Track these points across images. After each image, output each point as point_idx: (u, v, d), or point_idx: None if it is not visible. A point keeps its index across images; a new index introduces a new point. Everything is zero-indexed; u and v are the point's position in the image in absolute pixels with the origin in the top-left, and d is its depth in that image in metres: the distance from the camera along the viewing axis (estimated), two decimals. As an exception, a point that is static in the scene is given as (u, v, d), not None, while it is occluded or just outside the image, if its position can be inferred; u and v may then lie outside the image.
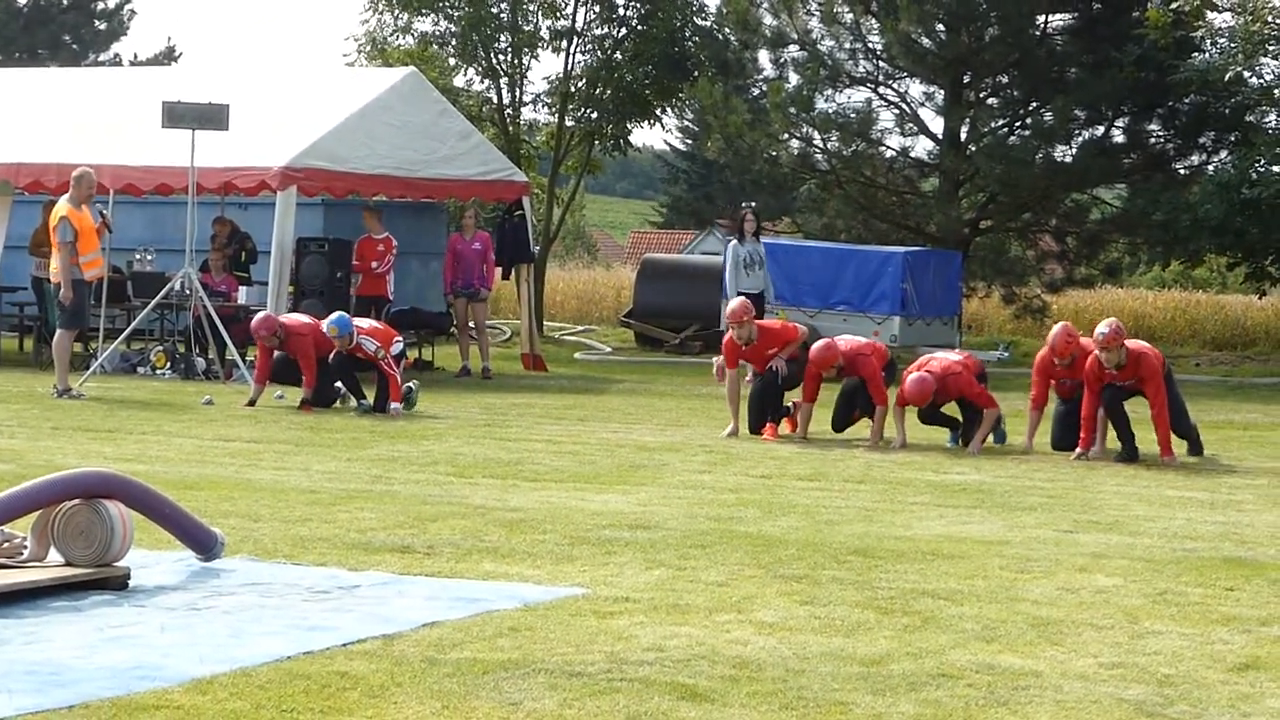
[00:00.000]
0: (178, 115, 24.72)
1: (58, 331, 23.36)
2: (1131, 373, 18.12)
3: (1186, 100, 36.26)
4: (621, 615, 10.05)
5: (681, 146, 58.51)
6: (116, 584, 10.76)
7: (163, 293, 25.85)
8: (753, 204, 29.26)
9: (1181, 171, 37.43)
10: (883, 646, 9.36)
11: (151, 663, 8.86)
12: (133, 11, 59.00)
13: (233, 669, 8.71)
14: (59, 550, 10.95)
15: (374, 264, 27.92)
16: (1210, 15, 34.39)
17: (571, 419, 21.72)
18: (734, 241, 26.92)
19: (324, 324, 21.48)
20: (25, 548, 11.05)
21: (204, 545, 11.55)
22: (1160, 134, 37.36)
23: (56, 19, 55.04)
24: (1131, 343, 18.59)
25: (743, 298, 16.10)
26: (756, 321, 19.99)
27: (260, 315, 22.47)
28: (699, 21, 38.16)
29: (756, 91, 37.66)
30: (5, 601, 10.20)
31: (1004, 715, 7.99)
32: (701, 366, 31.55)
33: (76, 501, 10.92)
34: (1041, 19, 36.13)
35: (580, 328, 39.83)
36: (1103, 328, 18.06)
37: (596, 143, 39.46)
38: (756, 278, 26.51)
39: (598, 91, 38.32)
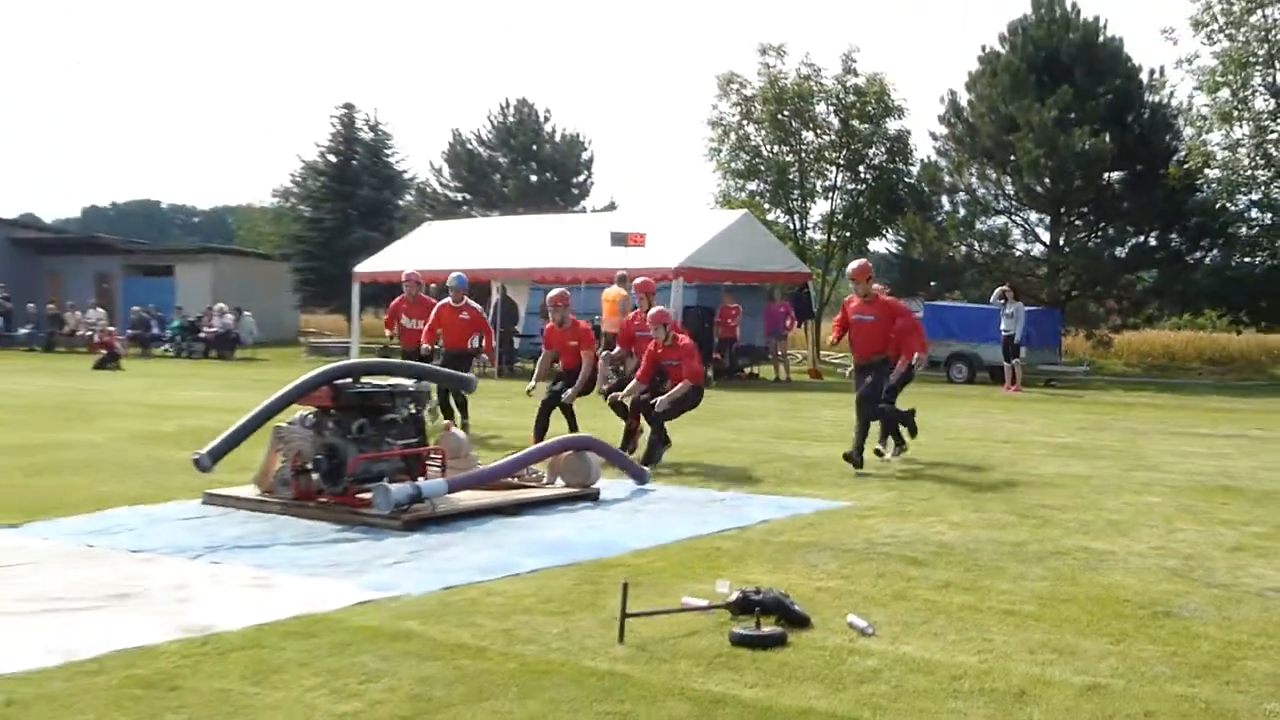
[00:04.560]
0: (617, 239, 25.51)
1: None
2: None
3: (1193, 220, 35.97)
4: (871, 517, 10.36)
5: (896, 249, 57.88)
6: (593, 497, 11.21)
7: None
8: (1006, 283, 29.07)
9: (1190, 261, 36.82)
10: (1022, 536, 9.61)
11: (612, 541, 9.32)
12: (592, 184, 60.75)
13: (657, 544, 9.18)
14: (561, 478, 11.50)
15: (729, 320, 28.40)
16: (1207, 170, 34.42)
17: (837, 406, 21.75)
18: (1002, 302, 26.49)
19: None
20: (543, 477, 11.61)
21: (638, 477, 11.98)
22: (1177, 240, 36.75)
23: (552, 192, 56.38)
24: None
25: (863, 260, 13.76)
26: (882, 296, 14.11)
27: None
28: (907, 180, 38.06)
29: (940, 218, 37.50)
30: (532, 507, 10.69)
31: (1093, 576, 8.24)
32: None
33: (570, 451, 11.47)
34: (1106, 175, 35.66)
35: (841, 354, 39.67)
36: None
37: (848, 249, 39.54)
38: (1010, 321, 26.13)
39: (848, 220, 38.38)
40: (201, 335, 39.42)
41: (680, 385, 13.28)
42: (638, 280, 12.47)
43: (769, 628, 6.55)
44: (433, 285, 33.67)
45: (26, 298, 44.74)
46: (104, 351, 32.78)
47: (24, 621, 6.83)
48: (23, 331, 42.97)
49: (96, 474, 12.47)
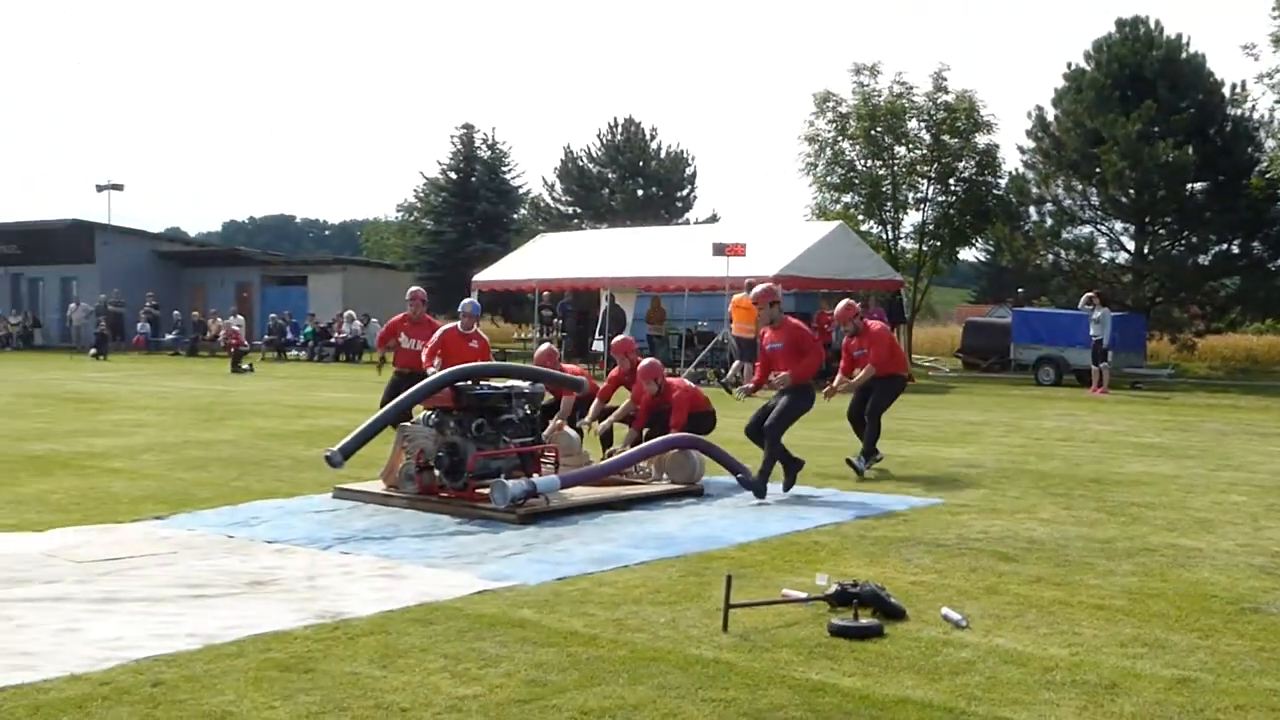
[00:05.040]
0: (718, 249, 25.46)
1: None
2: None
3: (1275, 229, 35.07)
4: (963, 514, 10.21)
5: (984, 258, 57.02)
6: (697, 493, 11.19)
7: (712, 342, 26.57)
8: (1094, 290, 28.53)
9: (1272, 268, 35.92)
10: (1111, 533, 9.41)
11: (716, 535, 9.28)
12: (695, 198, 60.76)
13: (759, 538, 9.13)
14: (667, 475, 11.47)
15: (825, 326, 28.13)
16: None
17: (930, 407, 21.59)
18: (1090, 308, 26.01)
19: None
20: (650, 474, 11.60)
21: (740, 473, 11.89)
22: (1259, 248, 35.83)
23: (658, 205, 56.48)
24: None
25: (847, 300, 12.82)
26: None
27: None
28: (995, 192, 37.53)
29: (1028, 228, 36.94)
30: (640, 503, 10.70)
31: (1182, 572, 8.04)
32: (997, 381, 31.01)
33: (676, 450, 11.43)
34: (1189, 186, 34.89)
35: (932, 358, 39.27)
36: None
37: (939, 258, 39.10)
38: (1098, 327, 25.65)
39: (939, 230, 37.96)
40: (332, 340, 39.98)
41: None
42: (759, 289, 11.60)
43: (866, 619, 6.47)
44: (545, 294, 33.97)
45: (172, 306, 45.70)
46: (233, 347, 33.46)
47: (169, 607, 6.94)
48: (169, 337, 43.94)
49: (234, 470, 12.69)
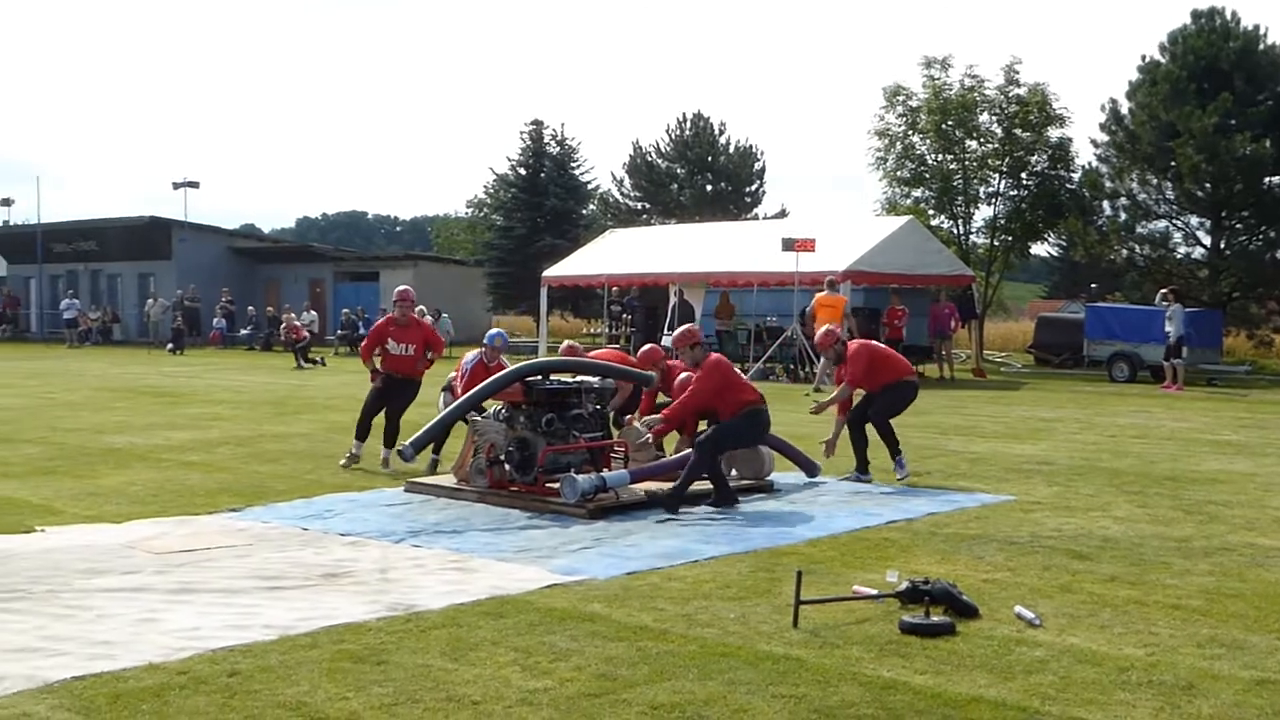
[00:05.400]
0: (787, 244, 25.33)
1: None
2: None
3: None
4: (1036, 511, 10.09)
5: (1056, 253, 56.32)
6: (767, 489, 11.15)
7: (781, 338, 26.46)
8: (1171, 286, 28.09)
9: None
10: (1187, 531, 9.26)
11: (785, 530, 9.24)
12: (764, 193, 60.56)
13: (828, 534, 9.09)
14: (736, 470, 11.42)
15: (896, 321, 27.93)
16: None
17: (1001, 403, 21.37)
18: (1165, 304, 25.64)
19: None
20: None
21: (810, 469, 11.87)
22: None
23: (727, 200, 56.33)
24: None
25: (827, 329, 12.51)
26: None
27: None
28: (1068, 186, 37.00)
29: (1101, 222, 36.41)
30: (709, 498, 10.57)
31: (1260, 572, 7.91)
32: (1070, 377, 30.63)
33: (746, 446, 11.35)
34: (1267, 180, 34.20)
35: (1004, 354, 38.85)
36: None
37: (1010, 253, 38.67)
38: (1170, 323, 25.22)
39: (1010, 225, 37.54)
40: (404, 335, 40.23)
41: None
42: (679, 330, 10.88)
43: (938, 617, 6.42)
44: (614, 289, 33.99)
45: (247, 302, 46.22)
46: (295, 341, 33.64)
47: (245, 598, 7.02)
48: (244, 333, 44.48)
49: (308, 463, 12.82)
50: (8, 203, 58.35)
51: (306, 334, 35.15)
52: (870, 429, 11.99)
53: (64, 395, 21.64)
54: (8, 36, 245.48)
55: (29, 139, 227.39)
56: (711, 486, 10.33)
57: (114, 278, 52.53)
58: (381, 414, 12.68)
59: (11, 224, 58.14)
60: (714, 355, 10.80)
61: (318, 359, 33.12)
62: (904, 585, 6.80)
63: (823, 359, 23.88)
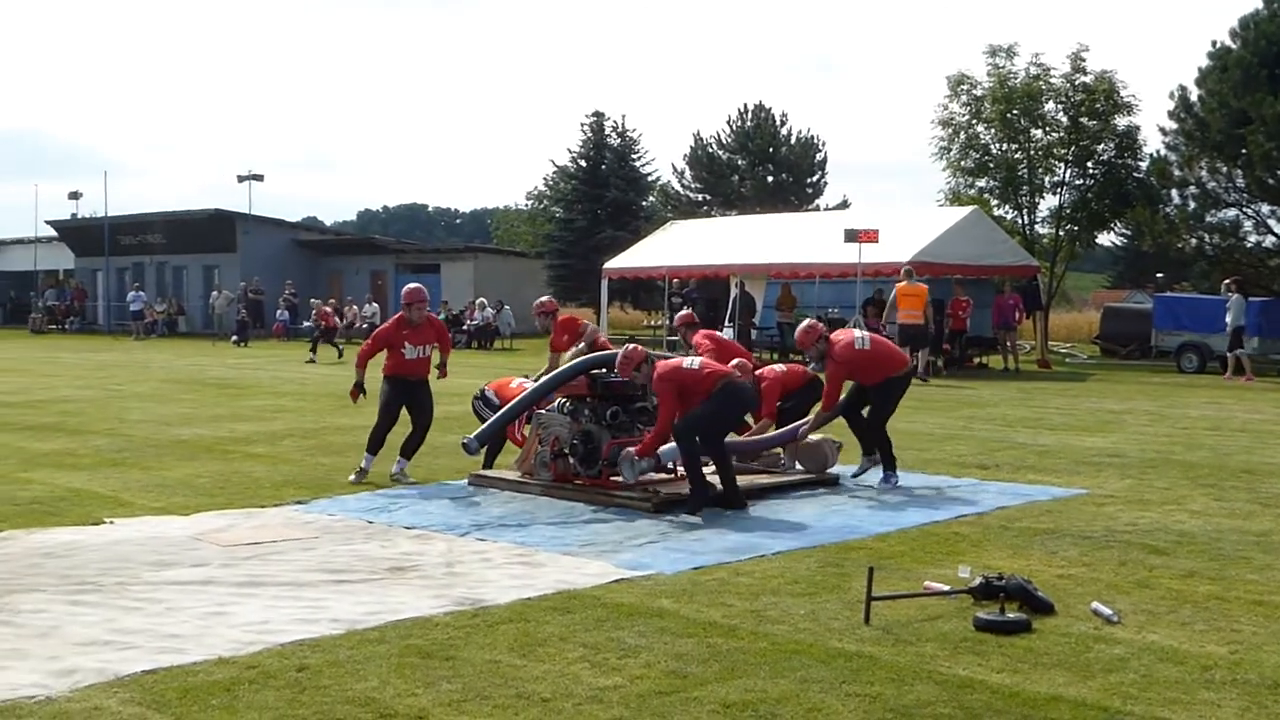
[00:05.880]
0: (850, 235, 25.13)
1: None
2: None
3: None
4: (1109, 505, 9.90)
5: (1121, 242, 55.68)
6: (832, 482, 11.02)
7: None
8: (1236, 276, 27.60)
9: None
10: (1266, 525, 9.06)
11: (853, 524, 9.14)
12: (826, 183, 60.28)
13: (897, 528, 8.96)
14: (799, 463, 11.33)
15: (960, 312, 27.64)
16: None
17: (1069, 395, 21.06)
18: (1230, 293, 25.30)
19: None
20: (784, 462, 11.47)
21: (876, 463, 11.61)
22: None
23: (788, 191, 56.14)
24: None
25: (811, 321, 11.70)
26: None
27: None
28: (1135, 175, 36.44)
29: (1170, 211, 35.83)
30: (774, 492, 10.56)
31: (1342, 568, 7.69)
32: (1137, 368, 30.21)
33: (814, 436, 11.25)
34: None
35: (1069, 345, 38.37)
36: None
37: (1076, 242, 38.16)
38: (1231, 314, 24.86)
39: (1076, 214, 37.04)
40: (464, 327, 40.33)
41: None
42: (625, 350, 10.39)
43: (1013, 613, 6.29)
44: (674, 281, 33.89)
45: (310, 294, 46.46)
46: (324, 326, 33.12)
47: (312, 592, 7.01)
48: (307, 324, 44.72)
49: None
50: (76, 196, 59.00)
51: (337, 321, 34.75)
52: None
53: (131, 387, 21.86)
54: (77, 33, 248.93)
55: (97, 133, 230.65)
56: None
57: (179, 270, 53.07)
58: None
59: (79, 217, 58.84)
60: (659, 369, 9.94)
61: (339, 347, 32.70)
62: (977, 581, 6.69)
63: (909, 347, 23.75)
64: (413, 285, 11.73)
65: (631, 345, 10.41)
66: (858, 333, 11.29)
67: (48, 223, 59.10)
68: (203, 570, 7.52)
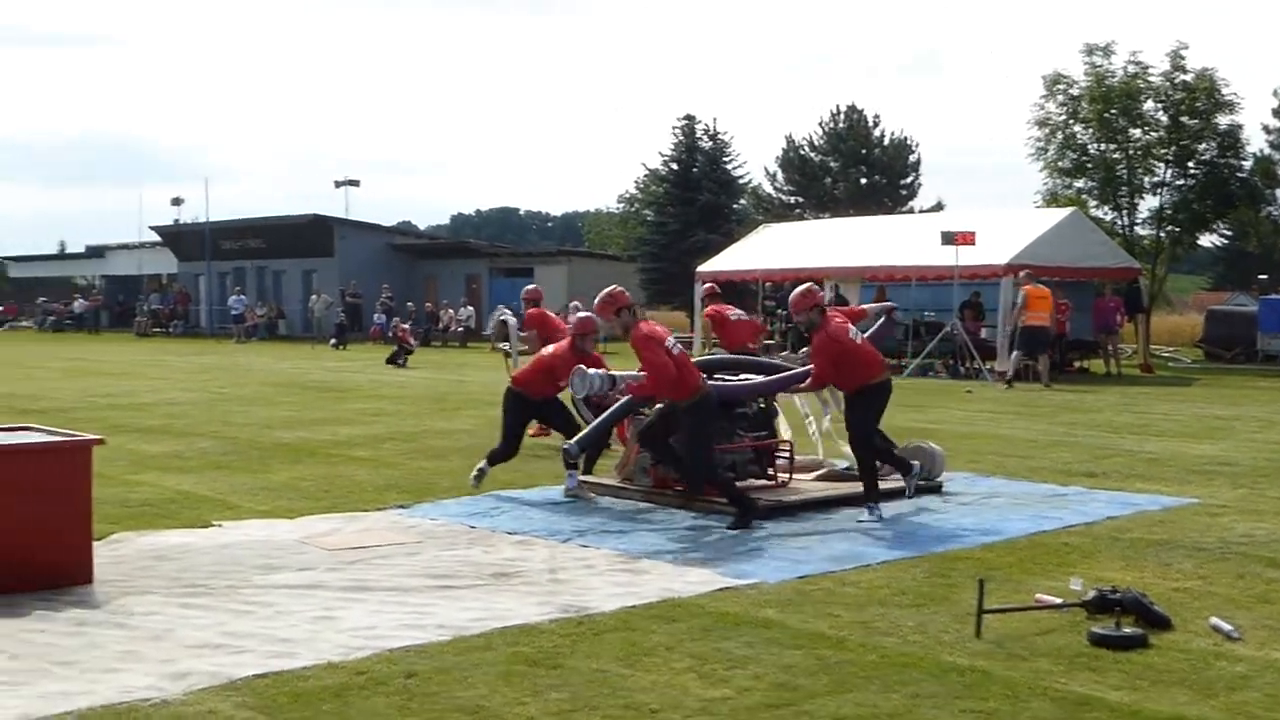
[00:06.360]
0: (947, 238, 24.81)
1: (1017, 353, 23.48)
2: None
3: None
4: (1223, 515, 9.63)
5: (1221, 243, 54.52)
6: (935, 489, 10.81)
7: (940, 333, 25.93)
8: None
9: None
10: (1388, 539, 8.75)
11: (958, 534, 8.97)
12: (920, 185, 59.72)
13: (1004, 538, 8.79)
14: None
15: (1059, 315, 27.16)
16: None
17: (1174, 400, 20.57)
18: None
19: None
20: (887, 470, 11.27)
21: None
22: None
23: (881, 194, 55.69)
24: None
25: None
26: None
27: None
28: (1239, 174, 35.63)
29: (1275, 211, 35.01)
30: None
31: None
32: (1243, 372, 29.50)
33: (916, 442, 11.09)
34: None
35: (1171, 348, 37.60)
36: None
37: (1177, 244, 37.42)
38: None
39: (1177, 215, 36.31)
40: (558, 330, 40.41)
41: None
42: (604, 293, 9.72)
43: (1129, 628, 6.12)
44: (767, 284, 33.68)
45: (406, 297, 46.94)
46: (397, 346, 32.71)
47: (418, 597, 7.02)
48: (504, 345, 45.13)
49: (473, 459, 12.79)
50: (178, 202, 60.24)
51: (413, 342, 34.02)
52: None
53: (234, 390, 22.18)
54: (181, 43, 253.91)
55: (199, 140, 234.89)
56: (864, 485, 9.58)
57: (279, 274, 53.87)
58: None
59: (182, 222, 59.98)
60: (644, 327, 9.31)
61: (403, 363, 31.30)
62: (1091, 594, 6.53)
63: (1015, 353, 23.47)
64: (586, 316, 11.42)
65: (618, 288, 9.76)
66: (853, 328, 9.97)
67: (152, 228, 60.43)
68: (310, 574, 7.57)
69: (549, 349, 11.65)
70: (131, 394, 21.13)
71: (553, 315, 15.70)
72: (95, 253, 67.68)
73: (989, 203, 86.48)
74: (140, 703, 5.21)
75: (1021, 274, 23.94)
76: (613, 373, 10.18)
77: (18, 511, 6.96)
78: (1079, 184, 37.29)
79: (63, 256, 79.85)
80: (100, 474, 8.22)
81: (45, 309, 59.99)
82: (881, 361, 9.91)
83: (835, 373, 9.68)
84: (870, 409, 9.67)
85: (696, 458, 9.40)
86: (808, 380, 10.12)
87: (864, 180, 57.93)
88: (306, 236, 51.54)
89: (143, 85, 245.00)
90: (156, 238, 59.91)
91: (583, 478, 10.94)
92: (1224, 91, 35.44)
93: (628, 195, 74.20)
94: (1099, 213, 36.92)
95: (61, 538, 7.14)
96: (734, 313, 16.68)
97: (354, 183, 53.18)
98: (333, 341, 40.80)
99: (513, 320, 15.80)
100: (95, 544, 7.53)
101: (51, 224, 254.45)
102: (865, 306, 11.29)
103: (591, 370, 9.83)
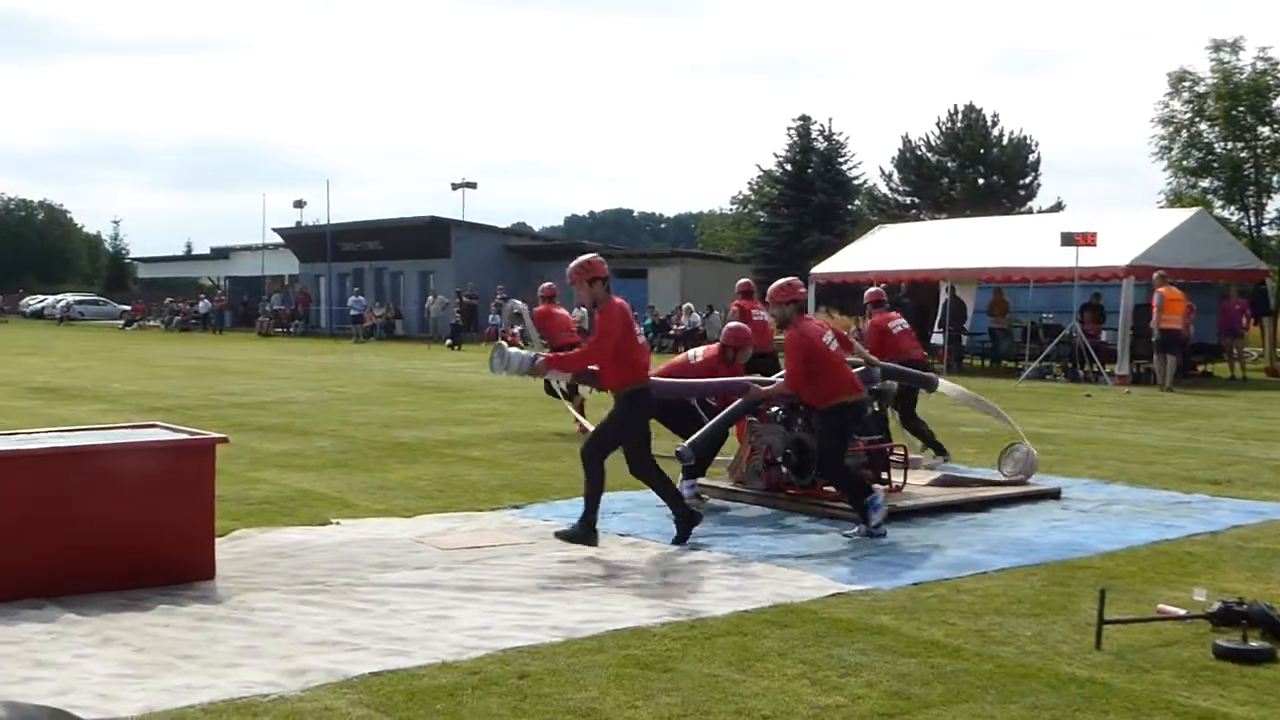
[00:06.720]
0: (1067, 239, 24.37)
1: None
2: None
3: None
4: (1354, 526, 9.34)
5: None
6: (1054, 495, 10.63)
7: (1059, 336, 25.49)
8: None
9: None
10: None
11: (1077, 542, 8.78)
12: (1039, 185, 58.73)
13: (1124, 547, 8.57)
14: (1002, 470, 11.10)
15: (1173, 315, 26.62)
16: None
17: (1299, 404, 20.05)
18: None
19: None
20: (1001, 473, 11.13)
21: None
22: None
23: (999, 194, 54.86)
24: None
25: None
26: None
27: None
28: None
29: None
30: (994, 505, 10.22)
31: None
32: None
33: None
34: None
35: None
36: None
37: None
38: None
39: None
40: (671, 332, 40.50)
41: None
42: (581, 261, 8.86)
43: (1256, 642, 5.95)
44: (883, 286, 33.45)
45: (519, 298, 47.31)
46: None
47: (531, 598, 7.06)
48: (518, 329, 45.55)
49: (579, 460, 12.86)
50: (300, 204, 61.44)
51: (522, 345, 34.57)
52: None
53: (353, 389, 22.53)
54: (301, 48, 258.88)
55: (321, 144, 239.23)
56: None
57: (397, 275, 54.70)
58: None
59: (304, 224, 61.13)
60: (615, 304, 8.73)
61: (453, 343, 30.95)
62: (1215, 605, 6.35)
63: (1156, 356, 23.04)
64: (737, 326, 11.28)
65: (597, 256, 8.99)
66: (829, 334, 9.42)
67: (274, 230, 61.76)
68: (425, 573, 7.65)
69: (697, 354, 11.45)
70: (253, 393, 21.57)
71: (560, 312, 16.64)
72: (220, 254, 69.37)
73: (1111, 203, 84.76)
74: (259, 698, 5.30)
75: (1155, 275, 23.46)
76: (535, 353, 9.89)
77: (145, 508, 7.14)
78: (1204, 183, 36.49)
79: (189, 258, 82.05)
80: (222, 471, 8.38)
81: (172, 309, 61.62)
82: (858, 385, 9.47)
83: (808, 378, 9.11)
84: (843, 434, 9.22)
85: (833, 464, 9.13)
86: (775, 385, 9.67)
87: (981, 180, 57.12)
88: (424, 238, 52.24)
89: (267, 90, 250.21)
90: (279, 239, 61.14)
91: (700, 480, 10.89)
92: (1357, 87, 34.47)
93: (741, 196, 73.96)
94: (1224, 213, 36.08)
95: (186, 534, 7.30)
96: (897, 323, 15.02)
97: (471, 185, 53.73)
98: (448, 342, 41.26)
99: (524, 307, 16.85)
100: (217, 540, 7.69)
101: (179, 226, 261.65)
102: (856, 345, 11.02)
103: (511, 349, 9.50)
